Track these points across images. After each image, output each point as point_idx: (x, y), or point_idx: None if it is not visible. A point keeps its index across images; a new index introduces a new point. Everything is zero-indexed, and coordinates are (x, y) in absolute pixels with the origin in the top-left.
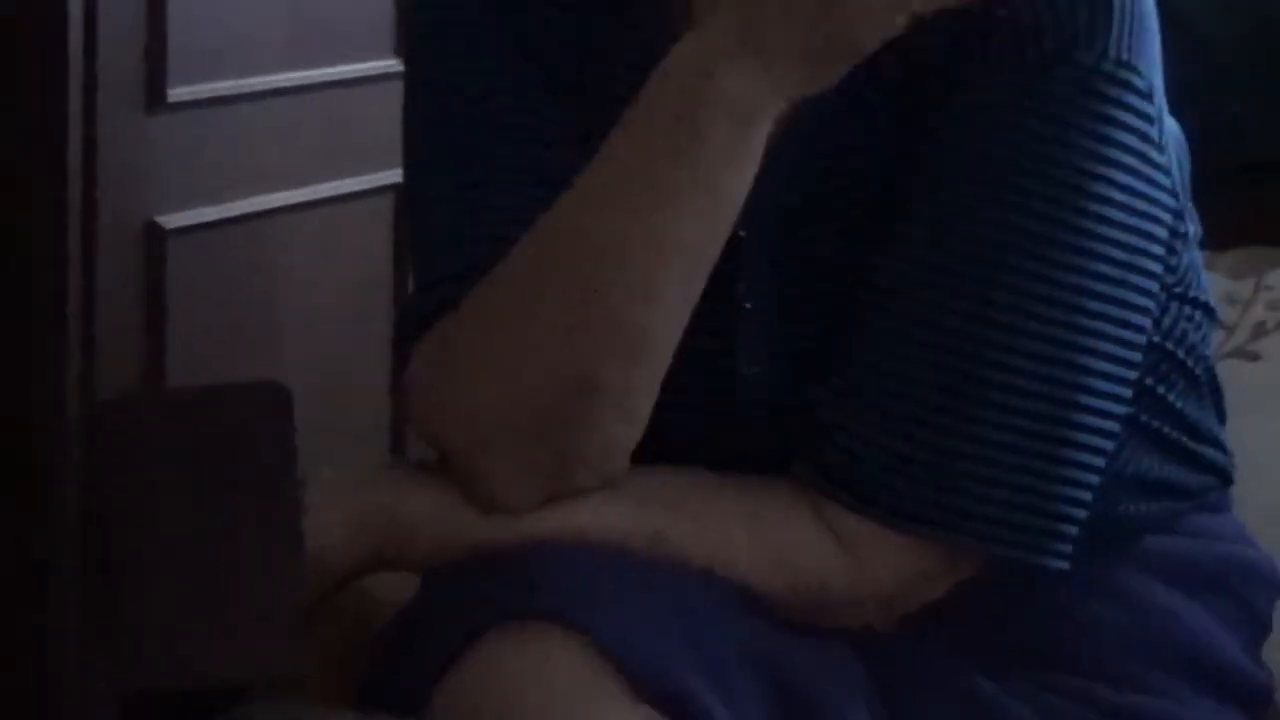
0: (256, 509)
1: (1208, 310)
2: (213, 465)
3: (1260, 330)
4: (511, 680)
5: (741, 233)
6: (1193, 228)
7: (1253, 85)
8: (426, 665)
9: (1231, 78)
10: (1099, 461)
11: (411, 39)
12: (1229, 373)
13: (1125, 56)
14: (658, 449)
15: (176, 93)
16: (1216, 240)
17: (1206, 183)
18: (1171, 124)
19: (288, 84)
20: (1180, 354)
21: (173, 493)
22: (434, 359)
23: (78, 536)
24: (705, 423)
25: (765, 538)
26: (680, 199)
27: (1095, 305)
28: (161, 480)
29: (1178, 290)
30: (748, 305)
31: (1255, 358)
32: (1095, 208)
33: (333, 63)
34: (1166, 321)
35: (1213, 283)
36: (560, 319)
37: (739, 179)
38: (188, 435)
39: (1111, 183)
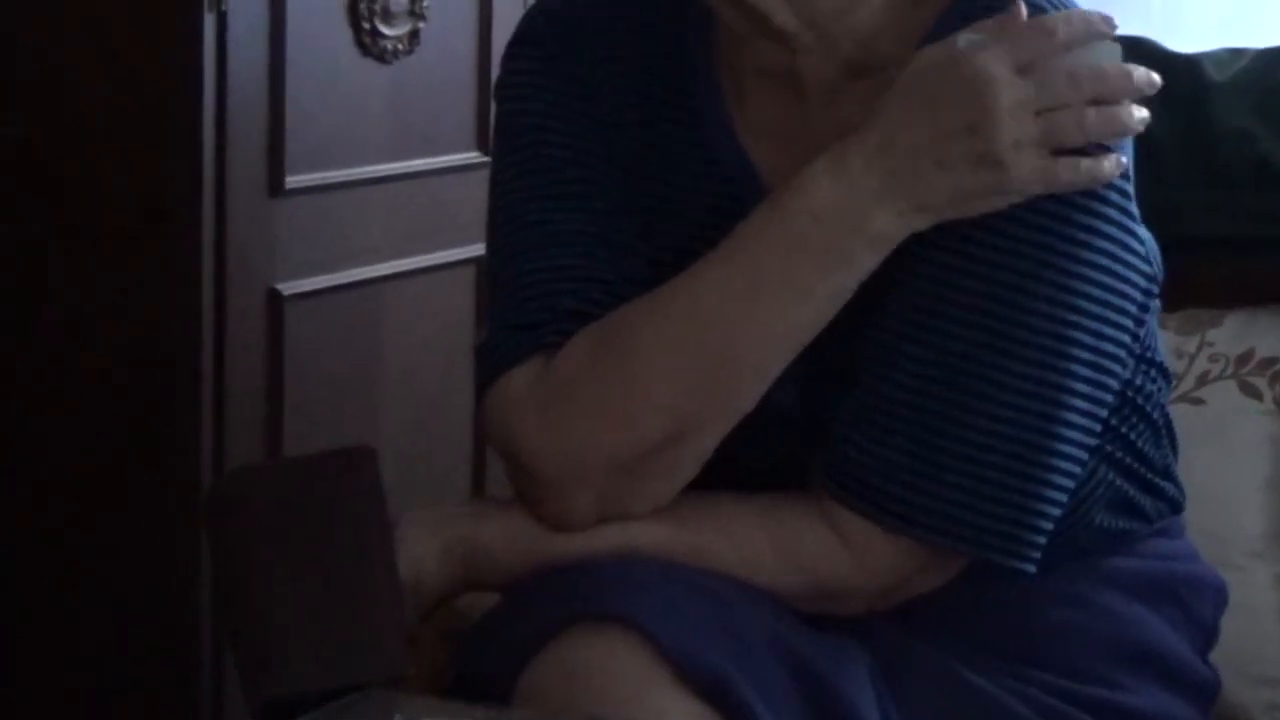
0: (355, 547)
1: (1163, 370)
2: (317, 516)
3: (1204, 379)
4: (581, 671)
5: None
6: (1156, 302)
7: (1186, 176)
8: (510, 661)
9: (1167, 171)
10: (1068, 483)
11: (497, 120)
12: (1177, 416)
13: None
14: (704, 465)
15: (293, 180)
16: (1164, 303)
17: None
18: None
19: (388, 173)
20: (1140, 401)
21: (286, 542)
22: (540, 395)
23: (215, 578)
24: (745, 442)
25: (783, 544)
26: (818, 304)
27: (1074, 351)
28: (276, 534)
29: (1137, 352)
30: None
31: (1199, 402)
32: (1078, 268)
33: (426, 155)
34: (1127, 374)
35: (1163, 338)
36: (686, 382)
37: (856, 283)
38: (295, 495)
39: (1093, 248)
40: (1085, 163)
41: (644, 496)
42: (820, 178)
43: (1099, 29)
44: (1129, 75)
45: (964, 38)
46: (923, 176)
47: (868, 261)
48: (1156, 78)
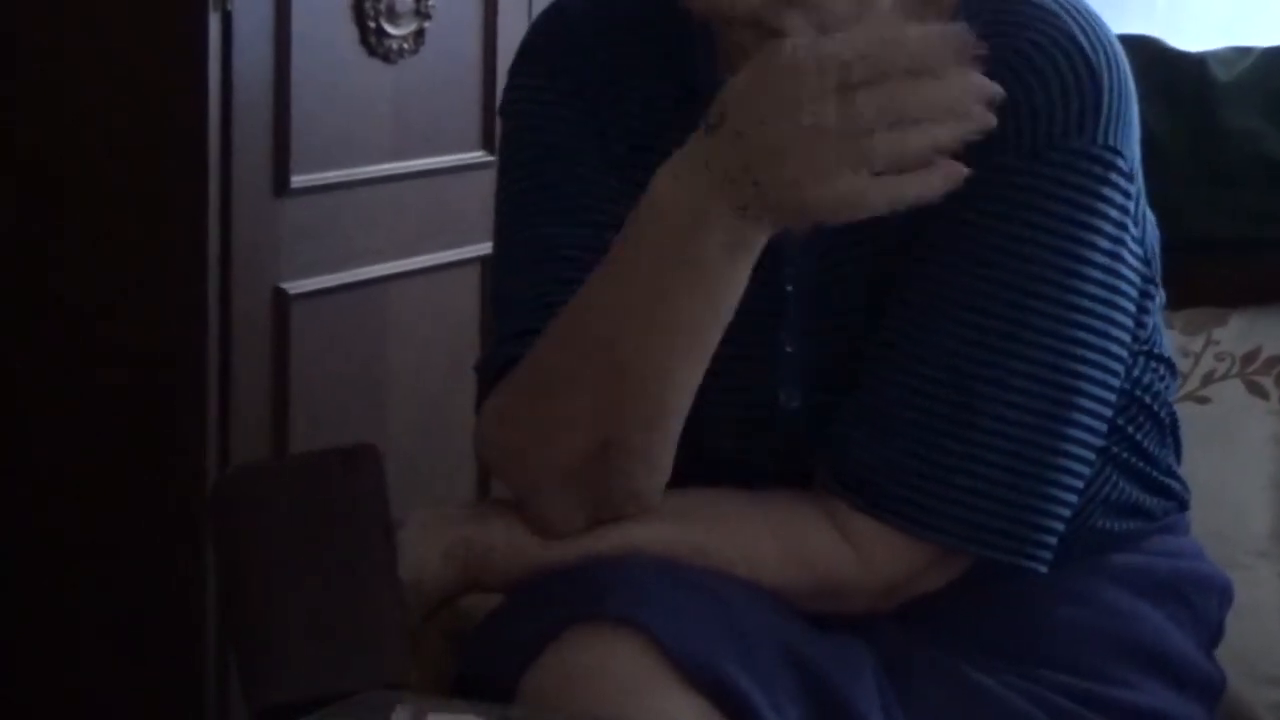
0: (358, 548)
1: (1170, 365)
2: (320, 515)
3: (1209, 378)
4: (584, 673)
5: (789, 287)
6: (1160, 295)
7: (1191, 175)
8: (512, 662)
9: (1172, 169)
10: (1077, 483)
11: (503, 130)
12: (1183, 414)
13: (1112, 142)
14: (709, 467)
15: (299, 179)
16: (1170, 302)
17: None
18: (1146, 209)
19: (393, 172)
20: (1147, 399)
21: (288, 541)
22: (496, 413)
23: (216, 581)
24: (750, 445)
25: (788, 541)
26: (684, 309)
27: (1077, 350)
28: (278, 533)
29: (1145, 348)
30: (789, 349)
31: (1205, 401)
32: (1078, 268)
33: (430, 154)
34: (1135, 373)
35: (1169, 337)
36: (593, 397)
37: (731, 289)
38: (298, 494)
39: (1094, 247)
40: (909, 181)
41: (618, 497)
42: (664, 176)
43: (961, 55)
44: (970, 92)
45: (790, 42)
46: (742, 190)
47: (721, 265)
48: (999, 89)
